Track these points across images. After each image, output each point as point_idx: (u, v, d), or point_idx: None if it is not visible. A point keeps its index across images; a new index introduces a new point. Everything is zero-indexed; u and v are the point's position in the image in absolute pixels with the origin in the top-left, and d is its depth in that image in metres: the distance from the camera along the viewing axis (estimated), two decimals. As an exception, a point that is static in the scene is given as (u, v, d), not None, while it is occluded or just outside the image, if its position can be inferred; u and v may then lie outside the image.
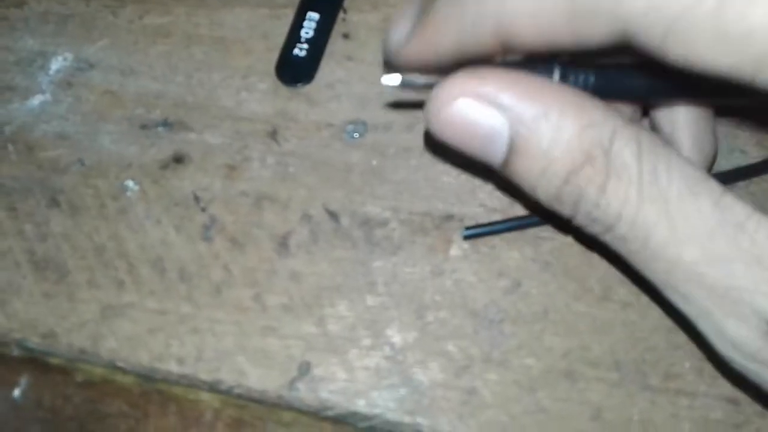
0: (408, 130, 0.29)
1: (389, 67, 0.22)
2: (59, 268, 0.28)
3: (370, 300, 0.27)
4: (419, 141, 0.29)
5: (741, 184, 0.27)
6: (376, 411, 0.25)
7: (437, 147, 0.29)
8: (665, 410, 0.24)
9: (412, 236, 0.28)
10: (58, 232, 0.28)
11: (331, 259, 0.27)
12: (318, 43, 0.31)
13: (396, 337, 0.26)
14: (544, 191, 0.20)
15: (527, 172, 0.20)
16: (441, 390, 0.25)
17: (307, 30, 0.31)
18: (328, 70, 0.31)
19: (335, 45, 0.31)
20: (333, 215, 0.28)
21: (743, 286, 0.18)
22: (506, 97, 0.19)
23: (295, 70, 0.30)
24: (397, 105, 0.29)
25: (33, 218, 0.29)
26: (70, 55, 0.32)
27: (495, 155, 0.20)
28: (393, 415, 0.25)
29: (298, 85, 0.30)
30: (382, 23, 0.31)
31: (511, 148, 0.20)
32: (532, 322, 0.26)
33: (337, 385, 0.25)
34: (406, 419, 0.25)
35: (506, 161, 0.20)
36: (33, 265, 0.28)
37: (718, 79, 0.17)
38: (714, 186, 0.18)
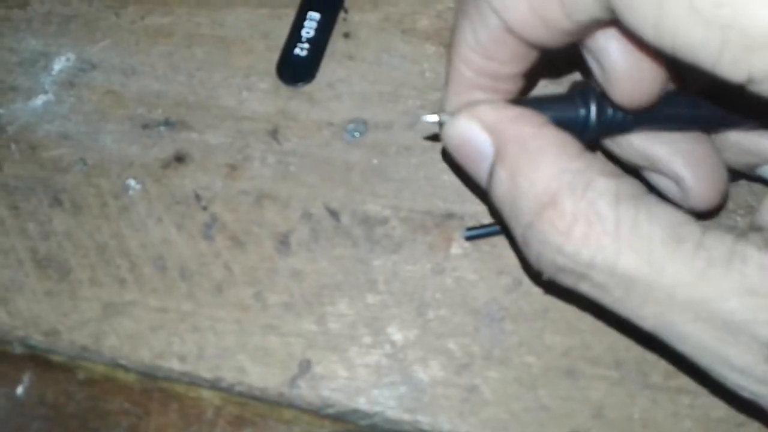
0: (409, 129, 0.29)
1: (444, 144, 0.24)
2: (61, 267, 0.28)
3: (371, 298, 0.27)
4: (420, 140, 0.29)
5: (742, 182, 0.27)
6: (377, 409, 0.25)
7: (438, 146, 0.29)
8: (666, 408, 0.24)
9: (413, 234, 0.28)
10: (60, 230, 0.28)
11: (332, 257, 0.27)
12: (319, 43, 0.31)
13: (396, 335, 0.26)
14: (513, 229, 0.21)
15: (500, 204, 0.21)
16: (441, 388, 0.25)
17: (308, 30, 0.31)
18: (328, 69, 0.31)
19: (336, 44, 0.31)
20: (333, 214, 0.28)
21: (740, 318, 0.18)
22: (498, 123, 0.21)
23: (295, 70, 0.30)
24: (434, 138, 0.29)
25: (36, 217, 0.29)
26: (72, 56, 0.32)
27: (480, 177, 0.22)
28: (393, 413, 0.25)
29: (299, 84, 0.30)
30: (382, 22, 0.31)
31: (491, 176, 0.21)
32: (533, 320, 0.26)
33: (338, 382, 0.25)
34: (407, 417, 0.25)
35: (487, 187, 0.22)
36: (35, 264, 0.28)
37: (683, 60, 0.17)
38: (695, 228, 0.19)
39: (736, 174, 0.27)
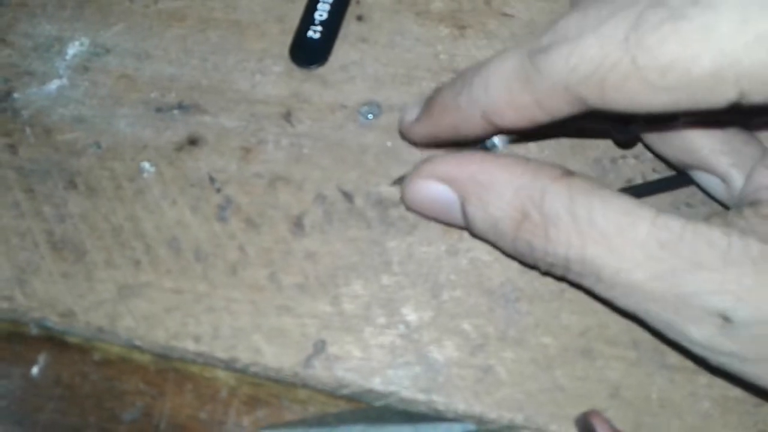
0: (422, 111, 0.29)
1: (403, 138, 0.28)
2: (77, 249, 0.28)
3: (385, 279, 0.27)
4: (434, 121, 0.29)
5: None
6: (392, 389, 0.25)
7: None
8: (684, 389, 0.24)
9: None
10: (75, 213, 0.28)
11: (346, 238, 0.27)
12: (332, 25, 0.31)
13: (411, 315, 0.26)
14: (504, 247, 0.23)
15: (484, 234, 0.24)
16: (456, 368, 0.25)
17: (321, 12, 0.31)
18: (341, 52, 0.31)
19: (349, 27, 0.31)
20: (347, 196, 0.28)
21: (691, 291, 0.19)
22: (454, 175, 0.23)
23: (309, 53, 0.30)
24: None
25: (51, 200, 0.29)
26: (86, 40, 0.32)
27: (457, 221, 0.24)
28: (408, 393, 0.25)
29: (312, 67, 0.30)
30: (395, 5, 0.31)
31: (465, 215, 0.24)
32: (549, 301, 0.26)
33: (353, 363, 0.25)
34: (421, 397, 0.25)
35: (467, 225, 0.24)
36: (51, 246, 0.28)
37: (659, 114, 0.19)
38: (647, 211, 0.20)
39: (648, 189, 0.27)
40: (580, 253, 0.21)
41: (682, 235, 0.19)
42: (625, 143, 0.27)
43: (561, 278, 0.23)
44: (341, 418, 0.23)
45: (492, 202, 0.22)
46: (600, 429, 0.21)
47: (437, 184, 0.24)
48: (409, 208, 0.26)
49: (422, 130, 0.26)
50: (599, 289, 0.21)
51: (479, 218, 0.23)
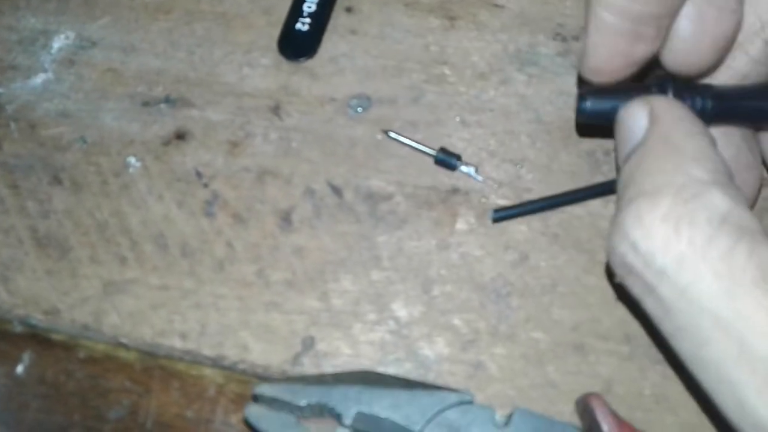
0: (413, 103, 0.29)
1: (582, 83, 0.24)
2: (62, 245, 0.27)
3: (375, 274, 0.26)
4: (424, 114, 0.29)
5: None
6: (381, 386, 0.25)
7: (443, 120, 0.28)
8: (678, 384, 0.24)
9: (418, 210, 0.27)
10: (60, 209, 0.28)
11: (335, 233, 0.27)
12: (320, 17, 0.30)
13: (401, 311, 0.26)
14: (616, 208, 0.20)
15: (623, 177, 0.20)
16: (447, 364, 0.25)
17: (310, 4, 0.30)
18: (330, 44, 0.30)
19: (338, 19, 0.31)
20: (336, 190, 0.28)
21: None
22: (658, 108, 0.20)
23: (297, 45, 0.30)
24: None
25: (35, 195, 0.28)
26: (72, 34, 0.32)
27: (624, 150, 0.21)
28: (398, 390, 0.24)
29: (301, 59, 0.30)
30: (385, -4, 0.31)
31: (633, 151, 0.20)
32: (541, 295, 0.25)
33: (342, 360, 0.25)
34: (412, 394, 0.24)
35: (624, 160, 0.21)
36: (35, 242, 0.27)
37: None
38: None
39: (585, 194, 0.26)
40: (686, 279, 0.17)
41: None
42: None
43: (630, 298, 0.20)
44: (339, 379, 0.23)
45: (654, 160, 0.19)
46: (598, 411, 0.21)
47: (642, 113, 0.21)
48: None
49: (597, 41, 0.21)
50: (679, 332, 0.18)
51: (632, 164, 0.20)
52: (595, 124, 0.24)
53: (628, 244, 0.18)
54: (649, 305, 0.18)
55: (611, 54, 0.21)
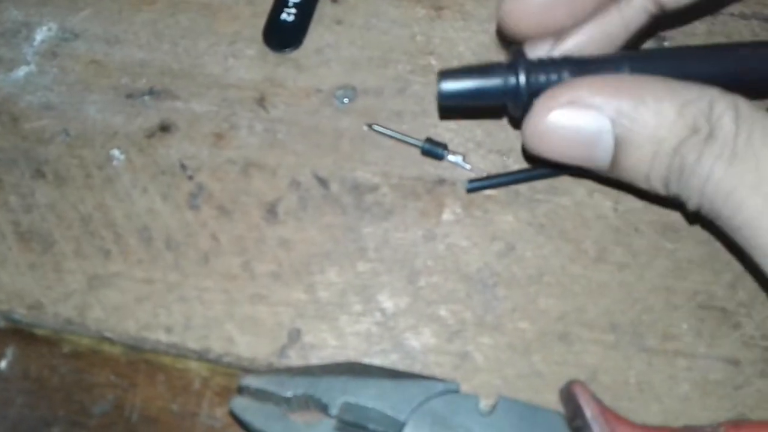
0: (399, 94, 0.29)
1: (502, 37, 0.25)
2: (45, 239, 0.27)
3: (361, 266, 0.26)
4: (410, 105, 0.28)
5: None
6: (368, 377, 0.25)
7: (428, 110, 0.28)
8: (663, 372, 0.24)
9: (404, 201, 0.27)
10: (43, 202, 0.28)
11: (321, 225, 0.27)
12: (306, 8, 0.30)
13: (387, 302, 0.25)
14: (657, 175, 0.21)
15: (639, 162, 0.21)
16: (433, 355, 0.25)
17: (295, -6, 0.30)
18: (316, 34, 0.30)
19: (324, 9, 0.30)
20: (322, 181, 0.27)
21: None
22: (600, 97, 0.20)
23: (282, 36, 0.30)
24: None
25: (18, 189, 0.28)
26: (54, 25, 0.31)
27: (601, 158, 0.21)
28: (385, 381, 0.24)
29: (286, 50, 0.30)
30: (371, -14, 0.30)
31: (618, 144, 0.21)
32: (527, 285, 0.25)
33: (328, 352, 0.25)
34: (398, 385, 0.24)
35: (614, 160, 0.21)
36: (18, 236, 0.27)
37: None
38: None
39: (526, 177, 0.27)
40: (724, 168, 0.19)
41: None
42: None
43: (695, 214, 0.21)
44: (326, 369, 0.23)
45: (656, 122, 0.20)
46: (582, 398, 0.21)
47: (581, 111, 0.21)
48: (534, 149, 0.22)
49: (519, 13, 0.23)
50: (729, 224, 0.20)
51: (639, 144, 0.20)
52: (458, 106, 0.25)
53: (687, 170, 0.20)
54: (704, 207, 0.21)
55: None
